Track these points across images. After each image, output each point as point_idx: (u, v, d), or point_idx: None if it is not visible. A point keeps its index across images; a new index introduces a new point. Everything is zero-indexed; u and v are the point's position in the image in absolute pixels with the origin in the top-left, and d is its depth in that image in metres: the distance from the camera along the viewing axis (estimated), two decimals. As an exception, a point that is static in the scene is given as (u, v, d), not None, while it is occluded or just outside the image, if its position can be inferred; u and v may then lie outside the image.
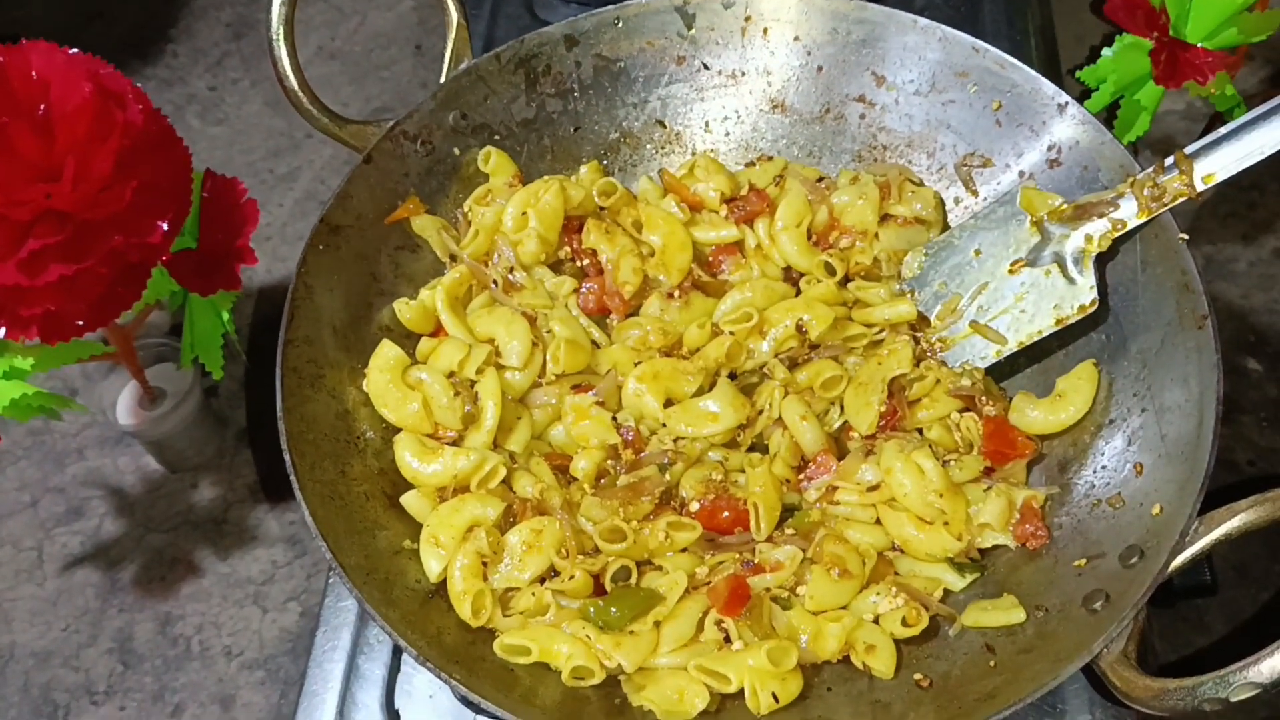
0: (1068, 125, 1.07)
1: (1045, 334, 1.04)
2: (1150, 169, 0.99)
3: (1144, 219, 0.99)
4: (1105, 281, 1.04)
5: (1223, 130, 0.95)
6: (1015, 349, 1.06)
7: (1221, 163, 0.95)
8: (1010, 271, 1.07)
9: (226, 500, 1.26)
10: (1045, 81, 1.07)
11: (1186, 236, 0.96)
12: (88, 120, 0.88)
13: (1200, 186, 0.96)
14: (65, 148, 0.88)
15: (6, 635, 1.18)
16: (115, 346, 1.09)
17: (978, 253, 1.09)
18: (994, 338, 1.07)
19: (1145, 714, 0.95)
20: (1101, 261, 1.03)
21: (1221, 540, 0.84)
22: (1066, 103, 1.06)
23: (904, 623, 0.94)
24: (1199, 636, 1.14)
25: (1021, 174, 1.12)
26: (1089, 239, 1.02)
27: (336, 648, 1.05)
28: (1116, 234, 1.00)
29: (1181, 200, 0.97)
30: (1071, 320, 1.03)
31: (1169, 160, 0.98)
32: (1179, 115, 1.44)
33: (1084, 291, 1.02)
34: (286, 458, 0.91)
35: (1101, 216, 1.01)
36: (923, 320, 1.11)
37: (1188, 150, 0.97)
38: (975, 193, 1.16)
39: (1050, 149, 1.09)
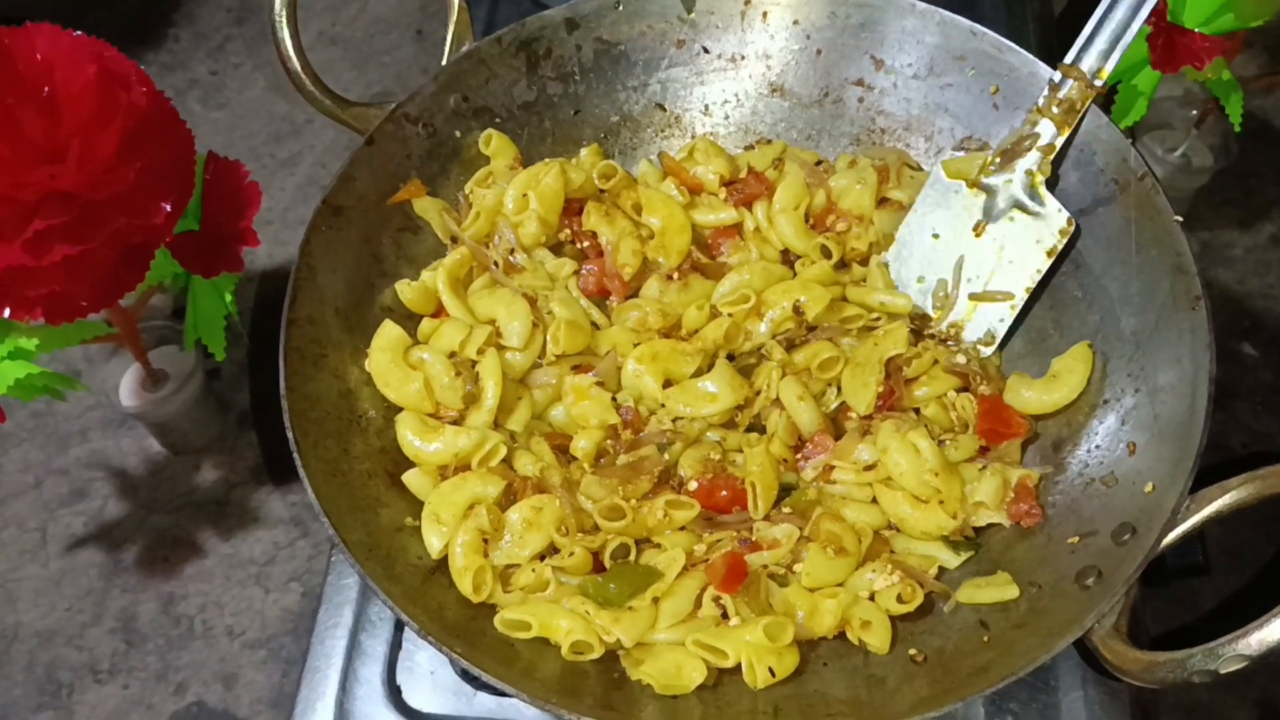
0: (1064, 110, 1.08)
1: (1044, 270, 1.06)
2: (1045, 91, 1.05)
3: (1067, 133, 1.04)
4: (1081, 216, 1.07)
5: (1086, 29, 1.02)
6: (1025, 296, 1.07)
7: (1099, 52, 1.02)
8: (976, 235, 1.09)
9: (229, 482, 1.27)
10: (1043, 65, 1.08)
11: (1181, 219, 0.97)
12: (92, 102, 0.89)
13: (1098, 82, 1.02)
14: (70, 129, 0.88)
15: (11, 615, 1.19)
16: (118, 328, 1.10)
17: (936, 236, 1.11)
18: (1000, 296, 1.08)
19: (1137, 689, 0.97)
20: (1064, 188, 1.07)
21: (1213, 517, 0.84)
22: (1062, 86, 1.07)
23: (899, 599, 0.94)
24: (1191, 617, 1.15)
25: (1018, 157, 1.12)
26: (1030, 174, 1.06)
27: (339, 625, 1.06)
28: (1050, 157, 1.05)
29: (1091, 101, 1.03)
30: (1060, 246, 1.05)
31: (1058, 77, 1.04)
32: (1176, 101, 1.44)
33: (1054, 217, 1.05)
34: (290, 436, 0.92)
35: (1029, 150, 1.05)
36: (924, 318, 1.12)
37: (1067, 60, 1.03)
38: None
39: (1047, 133, 1.10)
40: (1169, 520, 0.85)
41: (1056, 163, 1.06)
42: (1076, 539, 0.93)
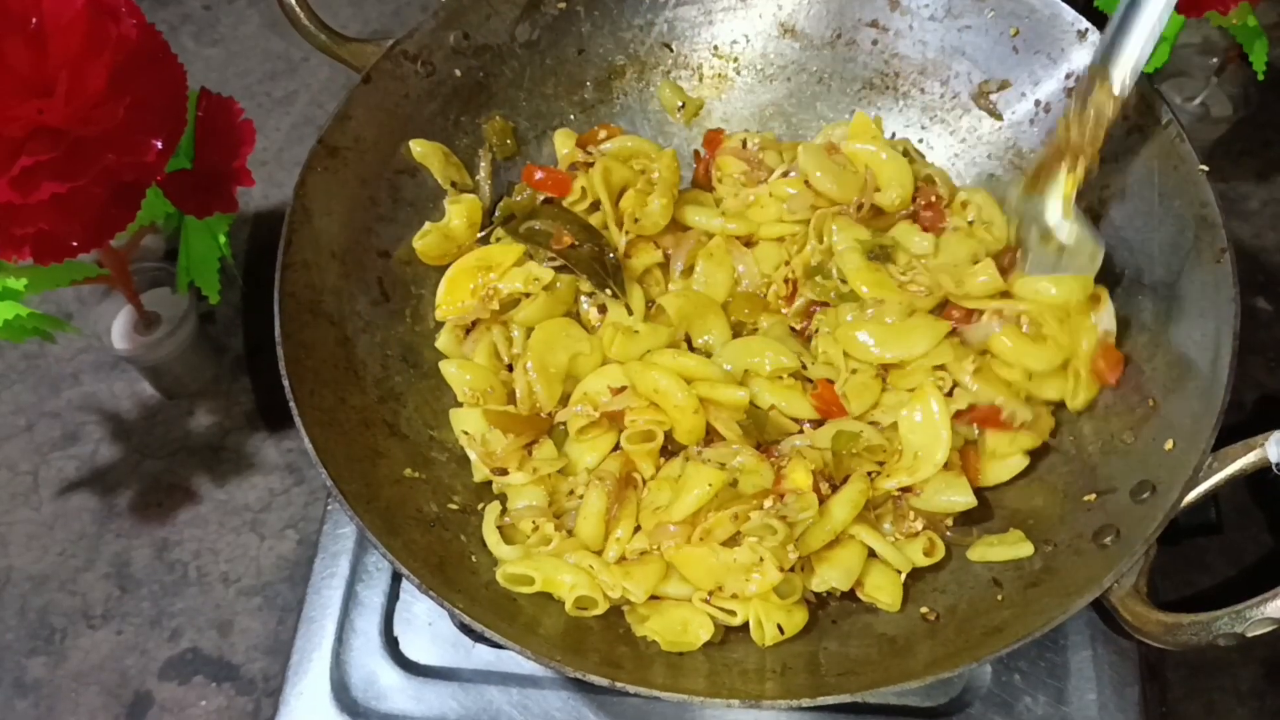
0: (1088, 53, 1.04)
1: None
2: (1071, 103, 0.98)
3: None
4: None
5: (1109, 30, 0.93)
6: None
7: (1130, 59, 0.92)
8: None
9: (223, 427, 1.25)
10: (1065, 7, 1.04)
11: (1207, 168, 0.94)
12: (80, 34, 0.86)
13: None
14: (58, 62, 0.85)
15: (3, 559, 1.17)
16: (110, 270, 1.07)
17: None
18: None
19: (1146, 648, 0.95)
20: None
21: (1236, 475, 0.82)
22: (1087, 29, 1.03)
23: (924, 554, 0.94)
24: (1201, 576, 1.14)
25: (1038, 103, 1.09)
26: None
27: (335, 574, 1.05)
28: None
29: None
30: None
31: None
32: (1195, 49, 1.40)
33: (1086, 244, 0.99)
34: (285, 384, 0.89)
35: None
36: None
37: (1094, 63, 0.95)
38: (999, 117, 1.13)
39: (1069, 77, 1.06)
40: (1190, 478, 0.83)
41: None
42: (1093, 496, 0.91)
